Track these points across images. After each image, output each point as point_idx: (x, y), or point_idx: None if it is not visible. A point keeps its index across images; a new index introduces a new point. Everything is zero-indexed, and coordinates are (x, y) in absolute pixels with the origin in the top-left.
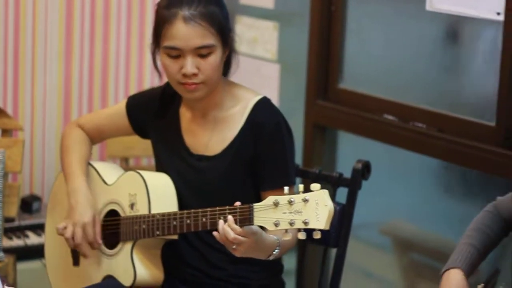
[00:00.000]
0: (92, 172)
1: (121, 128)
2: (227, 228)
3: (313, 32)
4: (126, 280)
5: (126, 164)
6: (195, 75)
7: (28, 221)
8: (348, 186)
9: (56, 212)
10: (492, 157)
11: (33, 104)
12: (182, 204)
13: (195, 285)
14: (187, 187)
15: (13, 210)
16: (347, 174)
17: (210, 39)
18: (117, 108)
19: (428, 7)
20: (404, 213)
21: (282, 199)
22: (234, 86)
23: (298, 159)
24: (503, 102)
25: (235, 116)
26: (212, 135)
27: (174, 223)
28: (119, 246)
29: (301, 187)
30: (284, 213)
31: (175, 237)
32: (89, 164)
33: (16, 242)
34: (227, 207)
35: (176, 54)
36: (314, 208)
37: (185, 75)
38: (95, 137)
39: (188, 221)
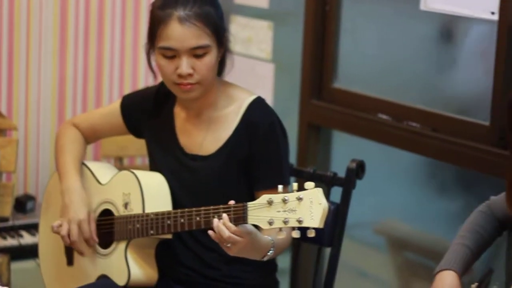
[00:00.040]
0: (86, 171)
1: (116, 127)
2: (222, 226)
3: (308, 31)
4: (120, 280)
5: (120, 163)
6: (190, 75)
7: (22, 220)
8: (342, 185)
9: (50, 211)
10: (486, 157)
11: (27, 103)
12: (176, 204)
13: (189, 285)
14: (181, 187)
15: (7, 209)
16: (342, 173)
17: (205, 40)
18: (112, 107)
19: (422, 6)
20: (399, 213)
21: (276, 197)
22: (228, 86)
23: (293, 158)
24: (497, 101)
25: (230, 116)
26: (207, 135)
27: (168, 222)
28: (113, 245)
29: (295, 185)
30: (278, 211)
31: (169, 236)
32: (83, 164)
33: (10, 241)
34: (221, 206)
35: (171, 54)
36: (308, 206)
37: (180, 76)
38: (90, 136)
39: (182, 220)
